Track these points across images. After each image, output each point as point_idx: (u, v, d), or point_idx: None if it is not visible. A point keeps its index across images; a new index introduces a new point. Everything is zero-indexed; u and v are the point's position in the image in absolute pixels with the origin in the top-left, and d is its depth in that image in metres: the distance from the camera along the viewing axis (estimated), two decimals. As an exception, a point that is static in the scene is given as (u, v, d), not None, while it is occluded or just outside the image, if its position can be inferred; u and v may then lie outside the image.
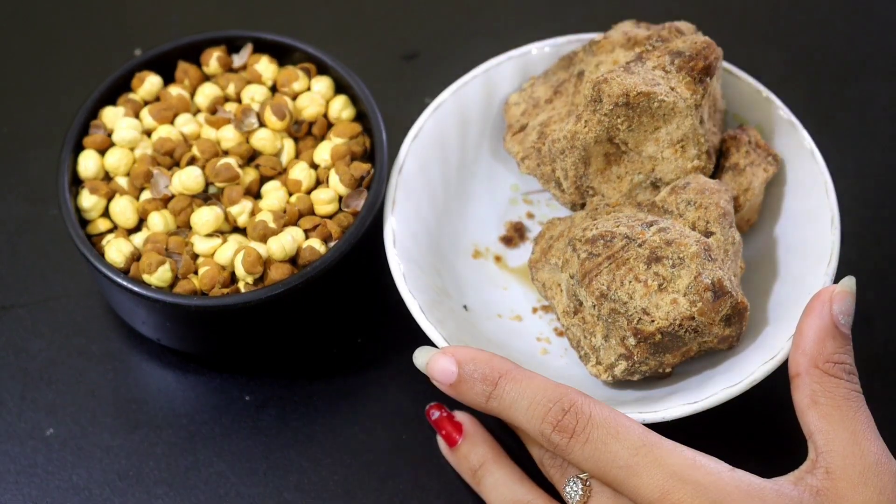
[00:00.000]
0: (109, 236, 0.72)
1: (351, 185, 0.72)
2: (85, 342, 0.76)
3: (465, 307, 0.74)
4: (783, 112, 0.74)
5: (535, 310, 0.75)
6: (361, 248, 0.71)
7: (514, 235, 0.78)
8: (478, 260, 0.77)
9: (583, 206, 0.72)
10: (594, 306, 0.66)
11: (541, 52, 0.77)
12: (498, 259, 0.77)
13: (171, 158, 0.74)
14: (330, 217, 0.72)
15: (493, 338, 0.73)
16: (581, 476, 0.63)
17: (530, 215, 0.78)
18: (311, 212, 0.73)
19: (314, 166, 0.74)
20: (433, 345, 0.68)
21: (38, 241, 0.80)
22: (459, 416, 0.70)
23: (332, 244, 0.71)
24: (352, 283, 0.75)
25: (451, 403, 0.70)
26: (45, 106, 0.85)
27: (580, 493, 0.63)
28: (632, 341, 0.66)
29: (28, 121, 0.85)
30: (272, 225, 0.71)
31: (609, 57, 0.72)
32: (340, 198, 0.73)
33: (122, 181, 0.73)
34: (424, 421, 0.72)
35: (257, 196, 0.73)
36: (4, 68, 0.87)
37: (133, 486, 0.72)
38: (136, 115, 0.75)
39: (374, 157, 0.73)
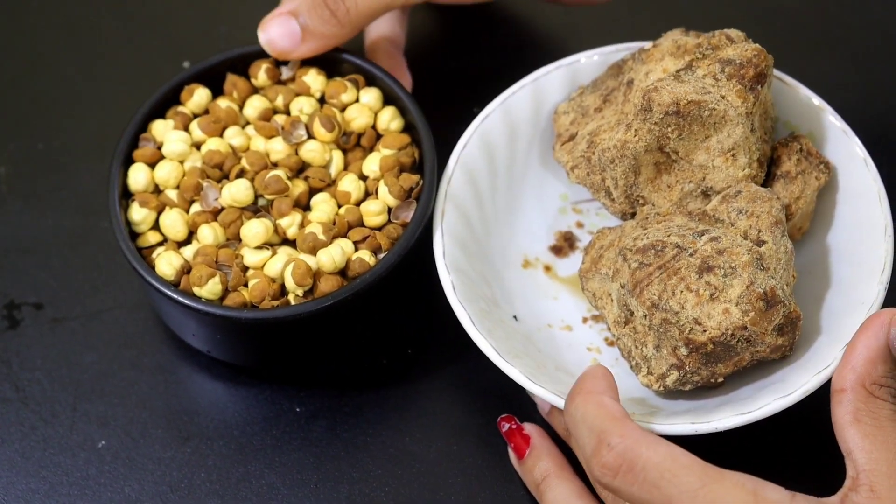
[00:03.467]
0: (160, 249, 0.72)
1: (400, 196, 0.72)
2: (136, 354, 0.76)
3: (514, 317, 0.74)
4: (835, 119, 0.73)
5: (585, 319, 0.75)
6: (411, 260, 0.71)
7: (564, 245, 0.77)
8: (527, 270, 0.76)
9: (633, 215, 0.72)
10: (645, 316, 0.66)
11: (589, 60, 0.77)
12: (547, 269, 0.77)
13: (221, 171, 0.74)
14: (379, 229, 0.72)
15: (543, 348, 0.73)
16: None
17: (580, 225, 0.78)
18: (361, 223, 0.73)
19: (363, 178, 0.74)
20: (482, 354, 0.68)
21: (89, 254, 0.80)
22: (528, 428, 0.70)
23: (381, 256, 0.71)
24: (402, 294, 0.75)
25: (522, 415, 0.70)
26: (95, 119, 0.85)
27: None
28: (683, 351, 0.65)
29: (78, 134, 0.85)
30: (321, 237, 0.71)
31: (658, 65, 0.71)
32: (389, 209, 0.73)
33: (171, 194, 0.73)
34: (475, 431, 0.71)
35: (306, 208, 0.73)
36: (54, 81, 0.88)
37: (184, 498, 0.72)
38: (186, 128, 0.75)
39: (423, 168, 0.73)
